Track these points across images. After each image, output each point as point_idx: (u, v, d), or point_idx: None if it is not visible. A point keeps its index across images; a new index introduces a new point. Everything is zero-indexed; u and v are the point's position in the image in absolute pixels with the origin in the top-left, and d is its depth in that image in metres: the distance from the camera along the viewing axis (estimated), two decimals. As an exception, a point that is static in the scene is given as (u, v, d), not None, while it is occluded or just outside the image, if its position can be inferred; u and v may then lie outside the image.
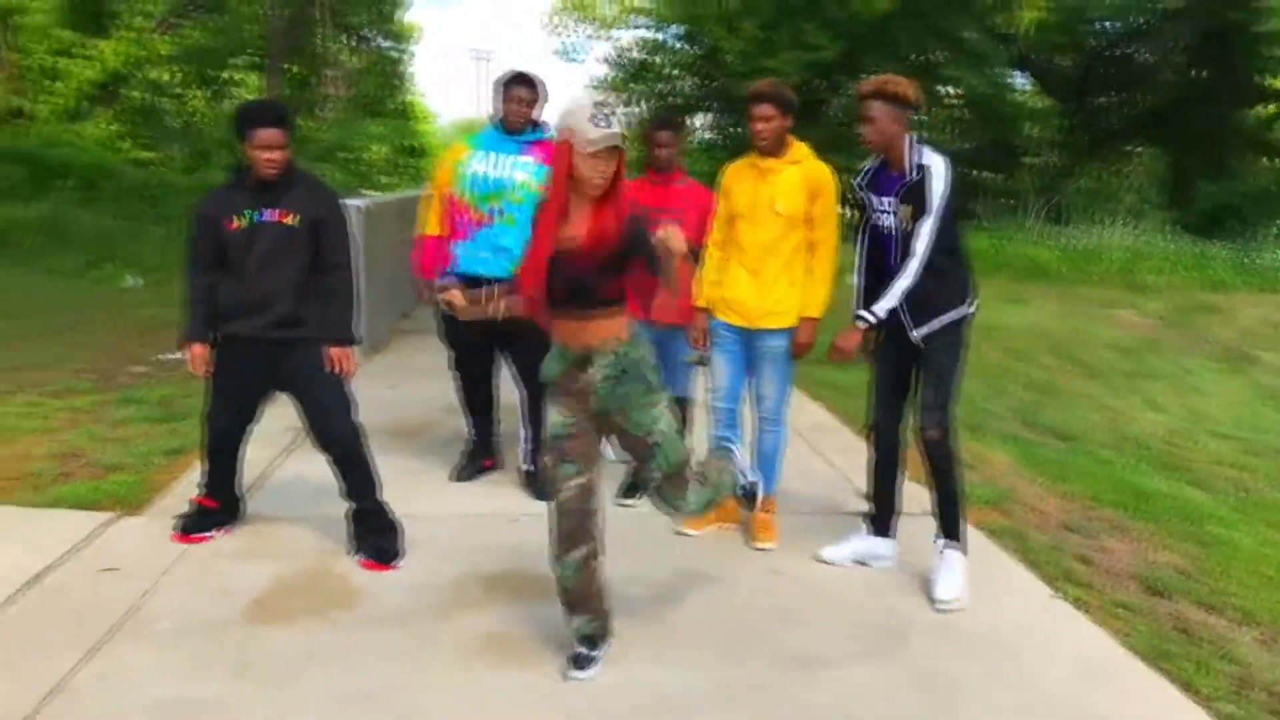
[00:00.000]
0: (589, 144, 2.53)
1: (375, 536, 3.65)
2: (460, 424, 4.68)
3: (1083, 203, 18.22)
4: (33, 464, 4.57)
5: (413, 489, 4.27)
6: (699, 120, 23.33)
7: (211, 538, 3.75)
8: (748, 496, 3.37)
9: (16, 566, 3.40)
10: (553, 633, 3.05)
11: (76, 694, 2.68)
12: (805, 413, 5.82)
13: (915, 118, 3.43)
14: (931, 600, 3.40)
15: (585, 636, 2.88)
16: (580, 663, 2.85)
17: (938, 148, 3.39)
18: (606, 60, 23.57)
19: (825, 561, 3.73)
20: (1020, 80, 23.28)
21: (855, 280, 3.59)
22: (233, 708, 2.65)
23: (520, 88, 4.14)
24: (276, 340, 3.51)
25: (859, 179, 3.53)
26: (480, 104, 43.32)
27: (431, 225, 4.24)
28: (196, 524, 3.76)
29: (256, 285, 3.48)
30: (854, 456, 4.48)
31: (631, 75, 23.21)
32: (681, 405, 4.24)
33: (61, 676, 2.74)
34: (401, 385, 6.42)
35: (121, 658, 2.88)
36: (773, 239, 3.71)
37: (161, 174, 18.41)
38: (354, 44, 28.36)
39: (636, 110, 22.30)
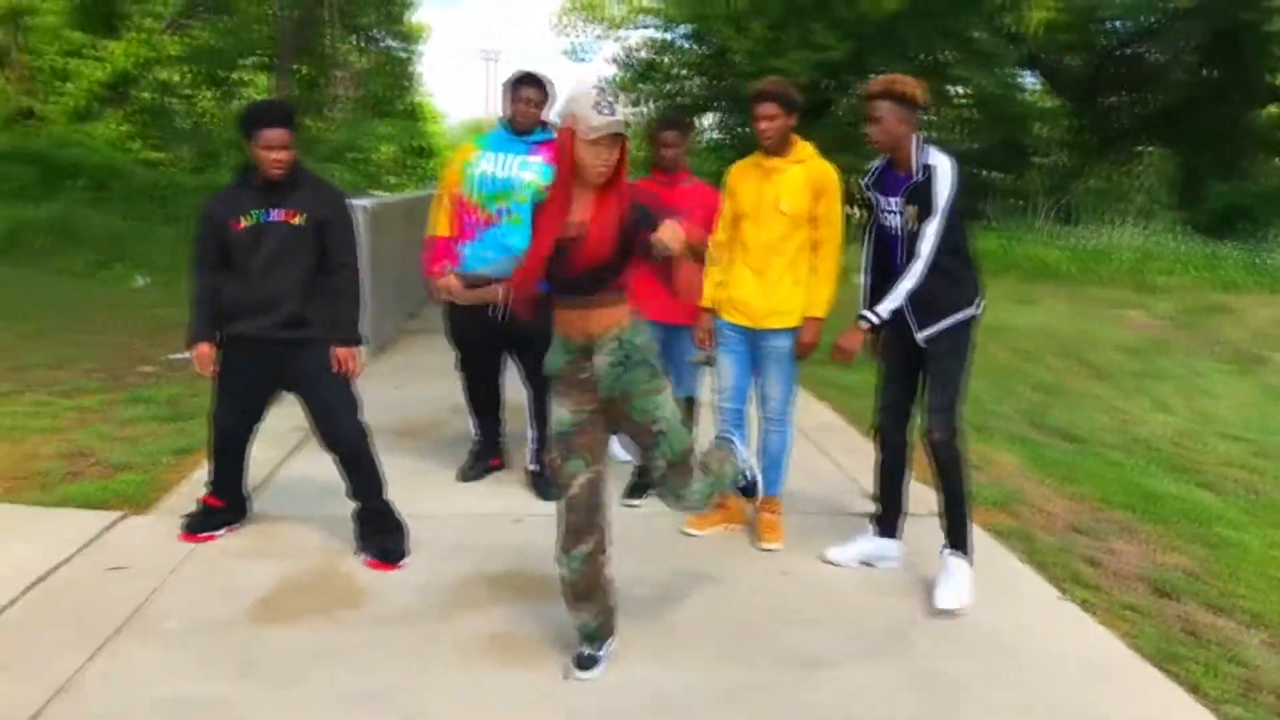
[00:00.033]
0: (591, 130, 2.53)
1: (381, 536, 3.65)
2: (467, 424, 4.68)
3: (1092, 203, 18.16)
4: (41, 463, 4.59)
5: (419, 489, 4.28)
6: (707, 120, 23.34)
7: (218, 537, 3.76)
8: (746, 490, 3.36)
9: (25, 565, 3.42)
10: (557, 633, 3.05)
11: (82, 692, 2.69)
12: (811, 413, 5.81)
13: (923, 118, 3.42)
14: (932, 607, 3.38)
15: (589, 633, 2.88)
16: (584, 663, 2.85)
17: (944, 148, 3.38)
18: (614, 60, 23.63)
19: (831, 562, 3.72)
20: (1029, 80, 23.22)
21: (861, 280, 3.58)
22: (238, 707, 2.66)
23: (529, 88, 4.14)
24: (283, 340, 3.52)
25: (866, 178, 3.52)
26: (489, 104, 43.43)
27: (441, 226, 4.24)
28: (203, 523, 3.77)
29: (263, 285, 3.49)
30: (860, 457, 4.48)
31: (639, 75, 23.23)
32: (688, 405, 4.24)
33: (68, 675, 2.75)
34: (408, 385, 6.43)
35: (127, 656, 2.89)
36: (777, 238, 3.70)
37: (171, 174, 18.47)
38: (362, 44, 28.40)
39: (644, 110, 22.31)
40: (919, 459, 3.63)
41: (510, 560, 3.65)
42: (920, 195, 3.28)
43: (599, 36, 24.90)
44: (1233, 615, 3.54)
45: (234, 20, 22.56)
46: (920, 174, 3.28)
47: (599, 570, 2.85)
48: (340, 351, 3.57)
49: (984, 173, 20.89)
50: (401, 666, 2.89)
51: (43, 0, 20.08)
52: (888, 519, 3.73)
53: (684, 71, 23.18)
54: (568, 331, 2.77)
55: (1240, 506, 4.85)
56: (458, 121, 40.65)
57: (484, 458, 4.64)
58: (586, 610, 2.86)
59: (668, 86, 23.07)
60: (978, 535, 3.68)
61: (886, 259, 3.45)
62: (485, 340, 4.27)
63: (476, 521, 4.07)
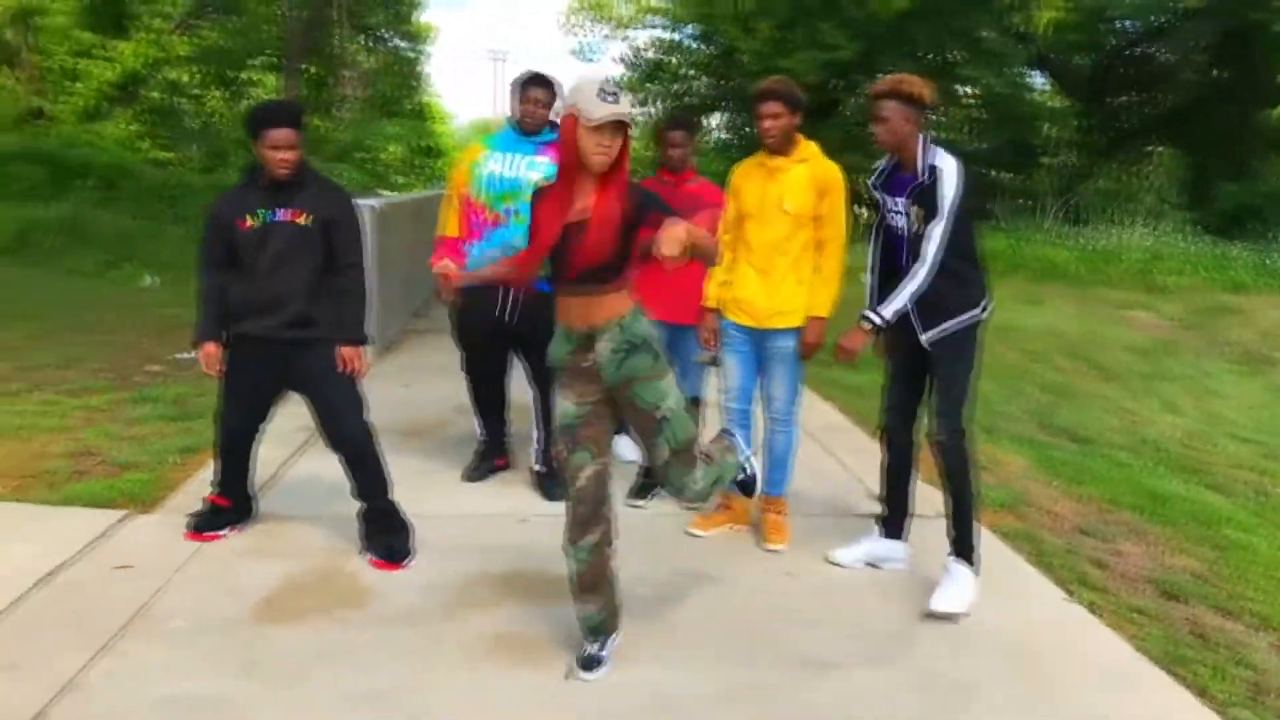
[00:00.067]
0: (594, 118, 2.54)
1: (386, 536, 3.66)
2: (472, 424, 4.68)
3: (1101, 203, 18.12)
4: (49, 462, 4.61)
5: (424, 489, 4.28)
6: (714, 120, 23.34)
7: (224, 536, 3.77)
8: (744, 485, 3.35)
9: (31, 564, 3.42)
10: (561, 633, 3.05)
11: (87, 691, 2.70)
12: (817, 413, 5.80)
13: (930, 118, 3.39)
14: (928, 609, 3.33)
15: (594, 625, 2.88)
16: (588, 664, 2.85)
17: (951, 149, 3.36)
18: (622, 60, 23.67)
19: (835, 563, 3.71)
20: (1038, 80, 23.18)
21: (868, 279, 3.57)
22: (242, 706, 2.66)
23: (537, 89, 4.14)
24: (289, 340, 3.52)
25: (873, 178, 3.51)
26: (497, 104, 43.48)
27: (451, 227, 4.25)
28: (209, 522, 3.78)
29: (269, 285, 3.49)
30: (866, 457, 4.47)
31: (647, 75, 23.26)
32: (694, 405, 4.23)
33: (72, 673, 2.75)
34: (414, 385, 6.43)
35: (132, 655, 2.90)
36: (781, 238, 3.69)
37: (180, 174, 18.54)
38: (370, 45, 28.49)
39: (651, 110, 22.33)
40: (925, 460, 3.62)
41: (515, 560, 3.65)
42: (926, 197, 3.26)
43: (606, 36, 25.00)
44: (1241, 618, 3.53)
45: (243, 20, 22.66)
46: (926, 175, 3.26)
47: (605, 562, 2.86)
48: (346, 351, 3.57)
49: (992, 173, 20.86)
50: (405, 666, 2.89)
51: (52, 1, 20.17)
52: (893, 520, 3.71)
53: (691, 71, 23.21)
54: (570, 321, 2.77)
55: (1249, 508, 4.83)
56: (465, 122, 40.77)
57: (489, 458, 4.64)
58: (593, 602, 2.87)
59: (675, 86, 23.10)
60: (984, 537, 3.66)
61: (892, 259, 3.43)
62: (492, 340, 4.28)
63: (481, 521, 4.07)
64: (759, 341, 3.81)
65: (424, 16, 29.29)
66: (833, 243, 3.72)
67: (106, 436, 5.06)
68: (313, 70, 25.08)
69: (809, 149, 3.73)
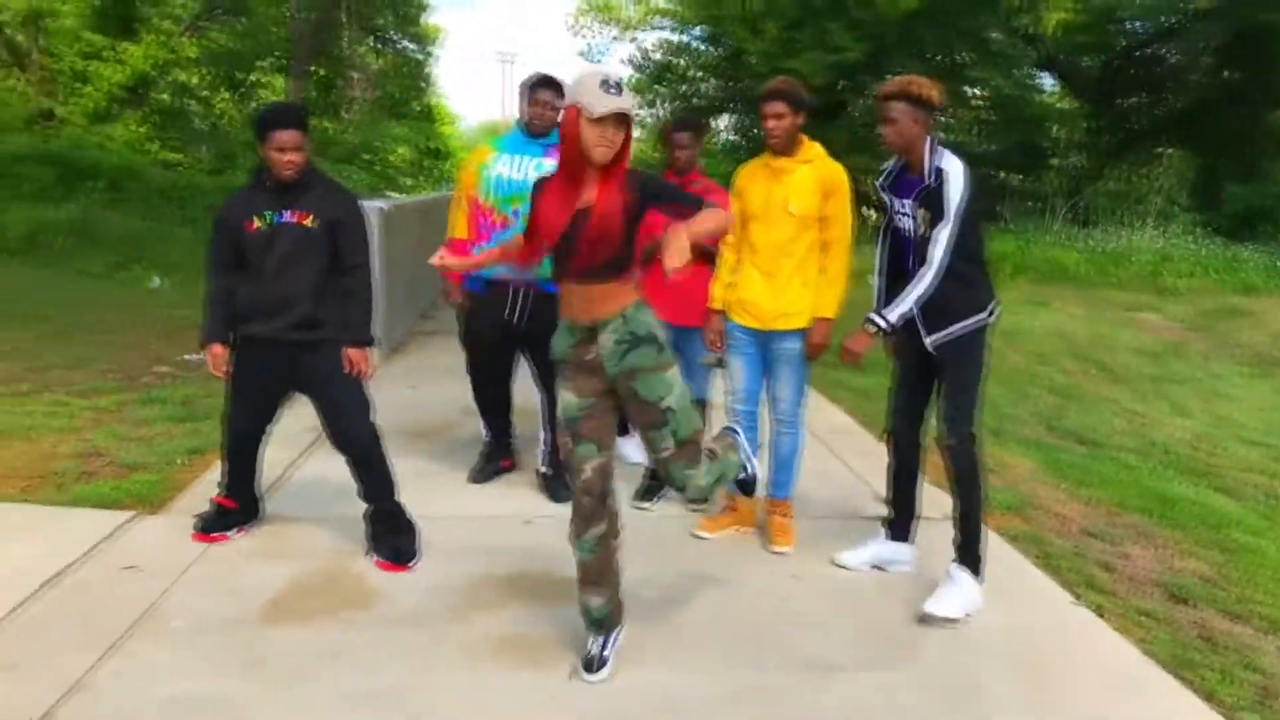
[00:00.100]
0: (596, 111, 2.54)
1: (392, 537, 3.66)
2: (478, 426, 4.69)
3: (1109, 205, 18.08)
4: (57, 463, 4.62)
5: (430, 490, 4.29)
6: (722, 122, 23.35)
7: (230, 537, 3.78)
8: (744, 484, 3.34)
9: (38, 564, 3.44)
10: (566, 634, 3.05)
11: (94, 691, 2.70)
12: (823, 415, 5.79)
13: (939, 120, 3.38)
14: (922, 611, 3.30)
15: (598, 620, 2.89)
16: (592, 666, 2.85)
17: (958, 151, 3.34)
18: (629, 62, 23.68)
19: (842, 566, 3.70)
20: (1047, 81, 23.14)
21: (875, 281, 3.56)
22: (246, 706, 2.67)
23: (545, 91, 4.14)
24: (295, 342, 3.53)
25: (881, 179, 3.50)
26: (505, 106, 43.52)
27: (460, 229, 4.25)
28: (216, 523, 3.78)
29: (276, 286, 3.50)
30: (873, 460, 4.46)
31: (654, 77, 23.28)
32: (700, 407, 4.23)
33: (79, 673, 2.76)
34: (421, 386, 6.44)
35: (138, 655, 2.90)
36: (786, 239, 3.69)
37: (188, 176, 18.61)
38: (378, 47, 28.57)
39: (659, 112, 22.35)
40: (933, 462, 3.61)
41: (520, 562, 3.65)
42: (932, 200, 3.24)
43: (614, 38, 24.99)
44: (1249, 621, 3.51)
45: (251, 23, 22.74)
46: (932, 178, 3.24)
47: (611, 554, 2.88)
48: (352, 353, 3.58)
49: (1000, 174, 20.83)
50: (409, 667, 2.89)
51: (62, 3, 20.27)
52: (900, 523, 3.70)
53: (699, 73, 23.22)
54: (573, 315, 2.78)
55: (1258, 511, 4.80)
56: (473, 124, 40.86)
57: (495, 459, 4.64)
58: (599, 595, 2.88)
59: (682, 88, 23.12)
60: (991, 539, 3.64)
61: (900, 261, 3.42)
62: (499, 341, 4.28)
63: (487, 523, 4.07)
64: (764, 343, 3.81)
65: (432, 18, 29.39)
66: (838, 244, 3.71)
67: (114, 437, 5.08)
68: (321, 72, 25.17)
69: (814, 150, 3.72)
